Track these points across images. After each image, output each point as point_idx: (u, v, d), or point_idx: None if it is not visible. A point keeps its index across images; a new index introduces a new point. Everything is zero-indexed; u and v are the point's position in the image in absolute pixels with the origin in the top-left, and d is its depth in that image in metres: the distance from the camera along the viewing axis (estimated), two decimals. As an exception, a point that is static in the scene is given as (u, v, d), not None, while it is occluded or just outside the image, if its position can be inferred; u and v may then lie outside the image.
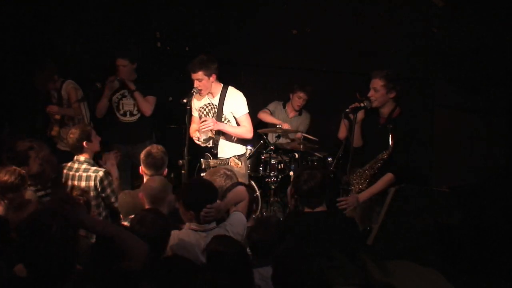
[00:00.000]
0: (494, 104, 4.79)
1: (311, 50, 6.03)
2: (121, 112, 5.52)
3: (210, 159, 4.97)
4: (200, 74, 4.76)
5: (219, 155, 5.01)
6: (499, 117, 4.79)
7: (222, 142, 5.02)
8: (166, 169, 4.24)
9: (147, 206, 3.62)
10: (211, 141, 5.00)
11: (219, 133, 4.98)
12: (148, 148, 4.22)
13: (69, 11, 6.30)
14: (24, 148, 3.99)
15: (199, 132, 4.93)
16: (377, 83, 4.19)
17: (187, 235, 3.29)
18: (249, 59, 6.56)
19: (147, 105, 5.45)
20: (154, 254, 2.89)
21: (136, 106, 5.45)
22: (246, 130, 4.95)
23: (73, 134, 4.34)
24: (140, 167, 4.23)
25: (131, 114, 5.51)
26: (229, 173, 3.99)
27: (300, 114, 6.21)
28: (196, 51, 6.55)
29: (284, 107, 6.24)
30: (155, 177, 3.93)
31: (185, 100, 4.71)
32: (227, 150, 5.03)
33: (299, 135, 5.98)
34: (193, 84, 4.86)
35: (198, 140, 4.95)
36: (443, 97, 5.20)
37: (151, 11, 6.62)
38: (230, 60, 6.16)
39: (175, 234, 3.27)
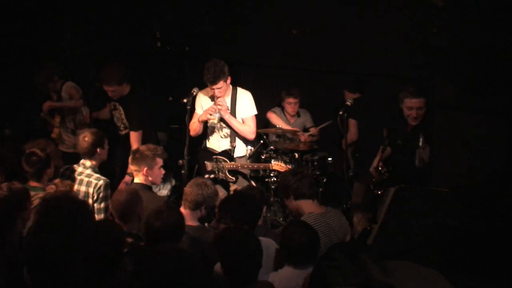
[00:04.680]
0: (494, 104, 4.79)
1: (311, 50, 6.02)
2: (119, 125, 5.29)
3: (225, 161, 4.92)
4: (220, 83, 4.69)
5: (235, 156, 5.01)
6: (499, 117, 4.79)
7: (238, 144, 5.02)
8: (146, 168, 4.15)
9: (116, 220, 3.52)
10: (228, 144, 4.97)
11: (234, 138, 4.97)
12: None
13: (69, 11, 6.30)
14: (45, 154, 3.95)
15: (212, 111, 4.79)
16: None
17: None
18: (249, 59, 6.56)
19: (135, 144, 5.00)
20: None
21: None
22: (250, 130, 4.96)
23: (87, 138, 4.18)
24: (129, 166, 4.18)
25: (125, 127, 5.24)
26: (209, 182, 3.93)
27: (298, 116, 6.21)
28: (196, 51, 6.57)
29: (283, 113, 6.23)
30: (122, 190, 3.83)
31: (185, 100, 4.70)
32: (238, 151, 5.04)
33: (305, 135, 5.94)
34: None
35: (210, 117, 4.82)
36: (443, 97, 5.20)
37: (151, 11, 6.61)
38: (230, 60, 6.15)
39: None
